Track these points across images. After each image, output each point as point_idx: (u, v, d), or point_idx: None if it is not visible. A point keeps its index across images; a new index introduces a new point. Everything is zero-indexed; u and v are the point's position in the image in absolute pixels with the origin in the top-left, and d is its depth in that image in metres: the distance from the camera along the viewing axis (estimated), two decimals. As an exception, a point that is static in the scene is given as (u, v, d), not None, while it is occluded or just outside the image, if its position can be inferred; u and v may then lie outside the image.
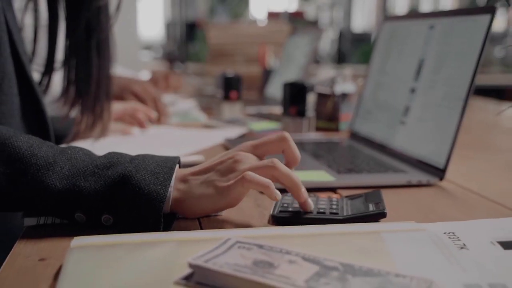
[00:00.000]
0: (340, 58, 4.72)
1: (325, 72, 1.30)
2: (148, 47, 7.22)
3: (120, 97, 1.32)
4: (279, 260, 0.42)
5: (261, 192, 0.70)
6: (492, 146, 1.14)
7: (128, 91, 1.31)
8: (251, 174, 0.55)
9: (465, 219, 0.58)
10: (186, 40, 4.63)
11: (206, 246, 0.45)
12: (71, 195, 0.55)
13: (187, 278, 0.41)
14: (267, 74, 1.95)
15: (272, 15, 5.57)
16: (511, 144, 1.20)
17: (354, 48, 4.64)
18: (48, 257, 0.51)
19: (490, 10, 0.75)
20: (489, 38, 0.74)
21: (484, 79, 3.76)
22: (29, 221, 0.59)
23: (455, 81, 0.79)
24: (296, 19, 5.14)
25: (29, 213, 0.59)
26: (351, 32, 5.14)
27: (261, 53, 2.01)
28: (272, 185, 0.55)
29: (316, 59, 4.19)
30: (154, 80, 1.73)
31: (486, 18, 0.75)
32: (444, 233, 0.51)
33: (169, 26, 6.96)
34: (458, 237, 0.50)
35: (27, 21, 0.88)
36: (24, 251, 0.52)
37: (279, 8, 5.63)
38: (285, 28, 2.34)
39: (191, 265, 0.41)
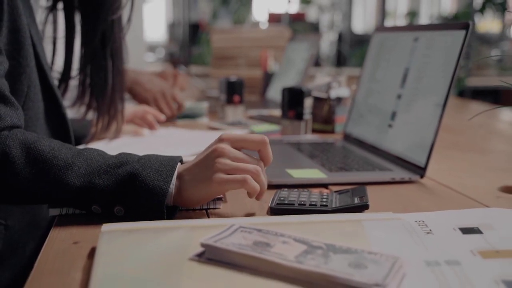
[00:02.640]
0: (341, 60, 4.78)
1: (321, 78, 1.39)
2: (151, 48, 7.29)
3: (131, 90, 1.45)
4: (274, 241, 0.52)
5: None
6: (474, 147, 1.23)
7: (148, 92, 1.43)
8: (251, 180, 0.64)
9: (438, 210, 0.67)
10: (189, 42, 4.70)
11: (214, 230, 0.54)
12: (88, 191, 0.64)
13: (200, 255, 0.50)
14: (268, 78, 2.04)
15: (273, 17, 5.65)
16: (492, 145, 1.29)
17: (354, 50, 4.71)
18: (80, 240, 0.60)
19: (465, 26, 0.84)
20: (464, 53, 0.84)
21: (481, 81, 3.85)
22: (54, 212, 0.69)
23: (434, 89, 0.88)
24: (297, 21, 5.22)
25: (53, 205, 0.69)
26: (352, 33, 5.21)
27: (263, 57, 2.10)
28: (258, 191, 0.65)
29: (317, 62, 4.27)
30: (163, 77, 1.82)
31: (461, 33, 0.85)
32: (415, 221, 0.60)
33: (171, 27, 7.02)
34: (426, 225, 0.59)
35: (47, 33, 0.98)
36: (59, 236, 0.62)
37: (280, 9, 5.70)
38: (286, 33, 2.43)
39: (203, 245, 0.51)
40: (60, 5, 0.99)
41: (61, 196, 0.64)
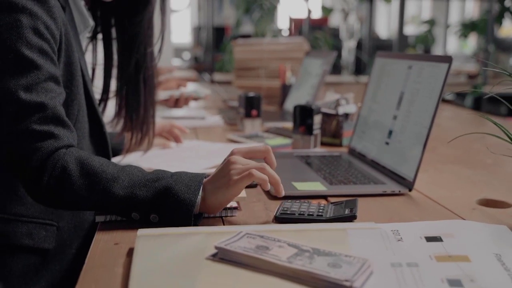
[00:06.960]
0: (360, 67, 4.84)
1: (331, 95, 1.51)
2: (177, 52, 7.48)
3: None
4: (272, 245, 0.66)
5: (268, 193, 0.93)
6: (463, 161, 1.33)
7: None
8: (255, 171, 0.79)
9: (418, 220, 0.81)
10: (214, 46, 4.83)
11: (226, 236, 0.68)
12: (130, 200, 0.79)
13: (214, 255, 0.65)
14: (286, 89, 2.18)
15: (295, 22, 5.74)
16: (483, 159, 1.37)
17: (373, 57, 4.74)
18: (120, 242, 0.75)
19: (448, 60, 0.97)
20: (447, 84, 0.96)
21: (498, 89, 3.90)
22: (100, 218, 0.84)
23: (423, 113, 1.01)
24: (318, 28, 5.31)
25: (99, 213, 0.84)
26: (372, 39, 5.26)
27: (281, 70, 2.24)
28: (267, 180, 0.80)
29: (337, 69, 4.38)
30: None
31: (445, 66, 0.97)
32: (391, 230, 0.74)
33: (197, 31, 7.18)
34: (399, 233, 0.73)
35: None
36: (102, 238, 0.77)
37: (302, 15, 5.80)
38: (304, 45, 2.57)
39: (216, 247, 0.65)
40: (99, 36, 1.15)
41: (108, 204, 0.79)
